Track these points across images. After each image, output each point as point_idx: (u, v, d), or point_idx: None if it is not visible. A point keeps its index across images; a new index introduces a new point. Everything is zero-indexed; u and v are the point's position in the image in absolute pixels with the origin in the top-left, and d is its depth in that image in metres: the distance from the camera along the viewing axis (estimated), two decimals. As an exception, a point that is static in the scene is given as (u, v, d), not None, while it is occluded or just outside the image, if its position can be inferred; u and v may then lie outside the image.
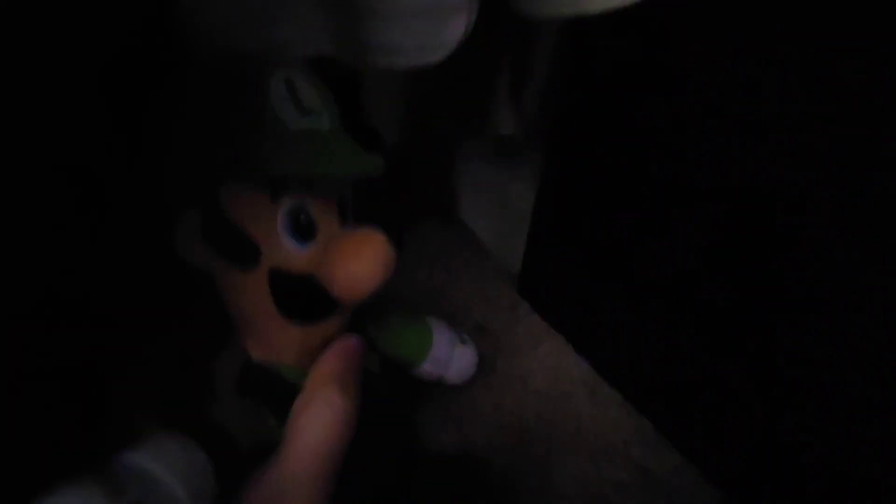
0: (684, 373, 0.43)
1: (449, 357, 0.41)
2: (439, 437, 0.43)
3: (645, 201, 0.42)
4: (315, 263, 0.28)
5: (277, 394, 0.30)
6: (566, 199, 0.49)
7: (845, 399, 0.35)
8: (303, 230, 0.28)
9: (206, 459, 0.24)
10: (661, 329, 0.44)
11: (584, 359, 0.49)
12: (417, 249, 0.55)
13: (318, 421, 0.27)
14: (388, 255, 0.28)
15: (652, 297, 0.44)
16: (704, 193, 0.38)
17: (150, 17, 0.27)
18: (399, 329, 0.39)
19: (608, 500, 0.41)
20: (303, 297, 0.29)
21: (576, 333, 0.50)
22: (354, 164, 0.28)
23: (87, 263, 0.27)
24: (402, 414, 0.43)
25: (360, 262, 0.28)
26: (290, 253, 0.28)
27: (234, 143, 0.26)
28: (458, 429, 0.44)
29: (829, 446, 0.36)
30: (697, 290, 0.41)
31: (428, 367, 0.40)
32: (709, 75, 0.35)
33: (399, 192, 0.40)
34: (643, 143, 0.40)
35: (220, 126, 0.27)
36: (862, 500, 0.36)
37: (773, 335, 0.37)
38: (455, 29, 0.27)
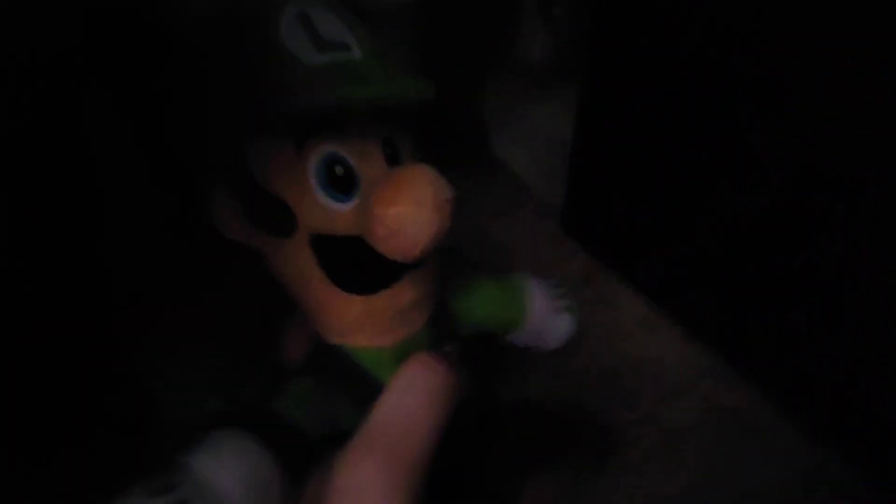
0: (748, 304, 0.40)
1: (544, 328, 0.37)
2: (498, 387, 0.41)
3: (691, 128, 0.38)
4: (362, 220, 0.24)
5: (352, 378, 0.26)
6: (606, 129, 0.45)
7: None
8: (340, 183, 0.23)
9: (269, 457, 0.22)
10: (718, 261, 0.41)
11: (639, 295, 0.46)
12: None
13: (416, 387, 0.22)
14: (438, 192, 0.22)
15: (706, 228, 0.41)
16: (755, 123, 0.35)
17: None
18: (488, 301, 0.34)
19: (682, 443, 0.39)
20: (354, 262, 0.24)
21: (628, 269, 0.47)
22: (392, 88, 0.23)
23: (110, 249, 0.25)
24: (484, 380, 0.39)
25: (403, 204, 0.22)
26: (330, 211, 0.24)
27: (247, 90, 0.23)
28: (517, 379, 0.42)
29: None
30: (754, 218, 0.37)
31: (521, 338, 0.37)
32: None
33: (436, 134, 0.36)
34: (688, 69, 0.36)
35: (231, 74, 0.23)
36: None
37: (837, 260, 0.34)
38: None
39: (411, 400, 0.22)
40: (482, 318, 0.34)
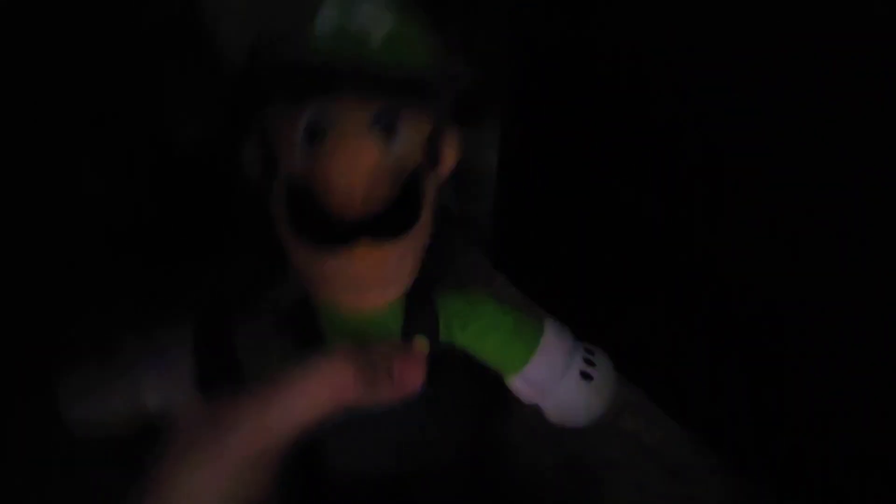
0: (674, 339, 0.40)
1: (550, 384, 0.30)
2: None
3: (613, 162, 0.38)
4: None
5: (303, 324, 0.28)
6: (530, 162, 0.45)
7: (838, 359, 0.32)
8: (314, 134, 0.26)
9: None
10: (643, 295, 0.41)
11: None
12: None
13: (310, 374, 0.23)
14: (358, 149, 0.25)
15: (633, 261, 0.41)
16: (670, 145, 0.35)
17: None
18: (486, 326, 0.30)
19: (600, 480, 0.38)
20: (308, 211, 0.26)
21: (556, 304, 0.47)
22: (376, 63, 0.25)
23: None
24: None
25: (334, 159, 0.25)
26: (300, 158, 0.26)
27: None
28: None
29: (821, 410, 0.33)
30: (678, 248, 0.37)
31: (519, 385, 0.31)
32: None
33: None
34: (609, 102, 0.37)
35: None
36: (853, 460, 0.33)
37: (760, 293, 0.34)
38: None
39: (299, 391, 0.23)
40: (473, 340, 0.30)
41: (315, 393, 0.23)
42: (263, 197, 0.28)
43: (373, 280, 0.27)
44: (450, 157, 0.29)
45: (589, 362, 0.31)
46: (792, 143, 0.31)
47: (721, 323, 0.37)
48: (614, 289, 0.44)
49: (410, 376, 0.25)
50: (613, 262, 0.43)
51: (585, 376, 0.30)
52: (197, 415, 0.23)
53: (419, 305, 0.29)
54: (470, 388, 0.33)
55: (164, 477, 0.22)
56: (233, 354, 0.28)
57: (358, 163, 0.25)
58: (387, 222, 0.25)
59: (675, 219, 0.37)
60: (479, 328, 0.30)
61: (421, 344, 0.29)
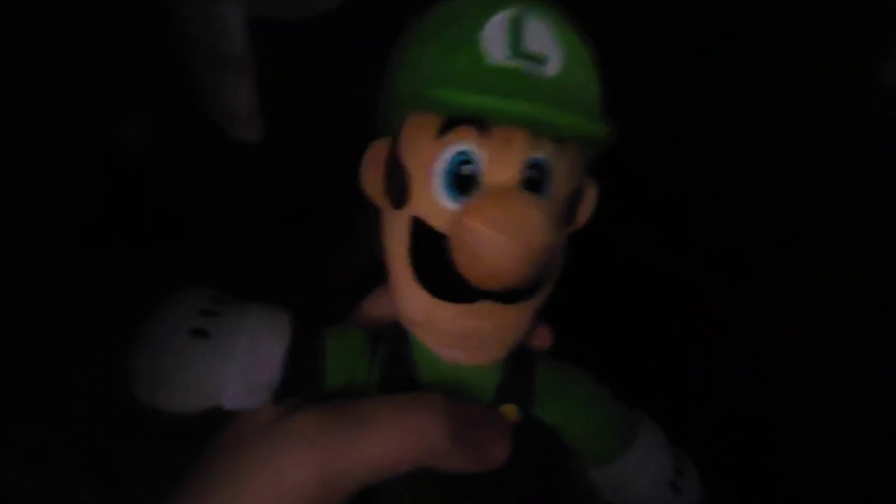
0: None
1: (635, 488, 0.27)
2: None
3: None
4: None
5: (395, 357, 0.25)
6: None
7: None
8: (461, 183, 0.22)
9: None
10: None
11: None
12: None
13: (405, 427, 0.21)
14: (531, 227, 0.20)
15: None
16: None
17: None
18: (577, 404, 0.26)
19: None
20: (434, 260, 0.22)
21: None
22: (544, 112, 0.21)
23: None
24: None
25: (483, 221, 0.20)
26: (438, 203, 0.22)
27: (422, 67, 0.22)
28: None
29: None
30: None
31: (600, 479, 0.27)
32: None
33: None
34: None
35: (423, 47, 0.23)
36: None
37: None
38: None
39: (389, 435, 0.21)
40: (563, 417, 0.26)
41: (404, 437, 0.21)
42: (377, 213, 0.25)
43: (484, 339, 0.24)
44: (586, 211, 0.26)
45: (679, 472, 0.27)
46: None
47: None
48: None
49: (496, 450, 0.23)
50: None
51: (675, 488, 0.27)
52: (259, 423, 0.21)
53: (519, 371, 0.26)
54: (549, 471, 0.29)
55: (198, 488, 0.20)
56: (321, 376, 0.24)
57: (533, 237, 0.20)
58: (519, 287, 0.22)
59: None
60: (570, 406, 0.26)
61: (510, 413, 0.25)
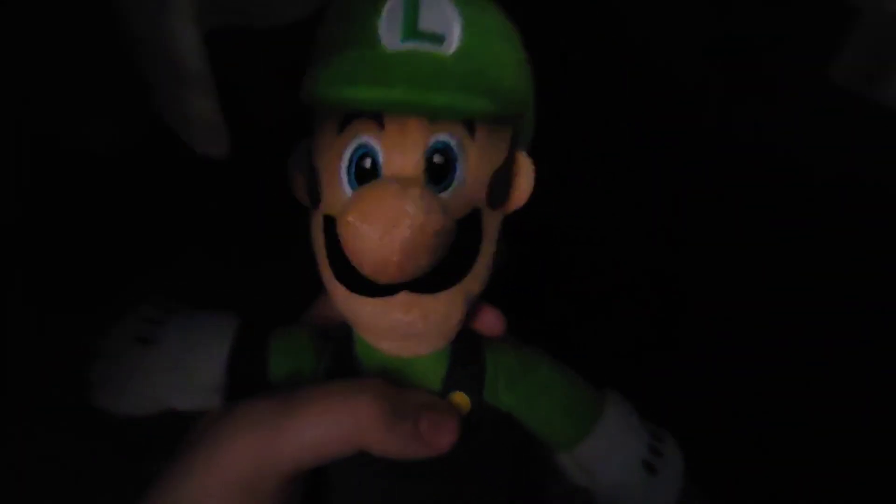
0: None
1: (605, 469, 0.26)
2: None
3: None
4: None
5: (342, 364, 0.25)
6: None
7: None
8: (364, 175, 0.22)
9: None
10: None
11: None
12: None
13: (329, 433, 0.21)
14: (399, 215, 0.20)
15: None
16: None
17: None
18: (537, 389, 0.26)
19: None
20: (345, 260, 0.22)
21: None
22: (432, 96, 0.20)
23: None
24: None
25: (353, 215, 0.20)
26: (342, 198, 0.22)
27: (319, 59, 0.22)
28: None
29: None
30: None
31: (568, 463, 0.27)
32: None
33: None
34: None
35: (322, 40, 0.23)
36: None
37: None
38: None
39: (320, 418, 0.21)
40: (521, 403, 0.26)
41: (335, 420, 0.21)
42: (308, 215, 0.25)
43: (414, 330, 0.23)
44: (523, 190, 0.25)
45: (655, 451, 0.26)
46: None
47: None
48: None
49: (440, 436, 0.23)
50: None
51: (648, 467, 0.26)
52: (211, 420, 0.22)
53: (466, 358, 0.25)
54: (506, 459, 0.28)
55: (165, 485, 0.21)
56: (265, 374, 0.25)
57: (400, 227, 0.20)
58: (433, 276, 0.22)
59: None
60: (528, 390, 0.26)
61: (461, 401, 0.25)
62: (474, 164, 0.23)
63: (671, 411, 0.28)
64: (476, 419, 0.25)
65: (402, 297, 0.22)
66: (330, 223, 0.22)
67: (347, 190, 0.22)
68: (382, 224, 0.20)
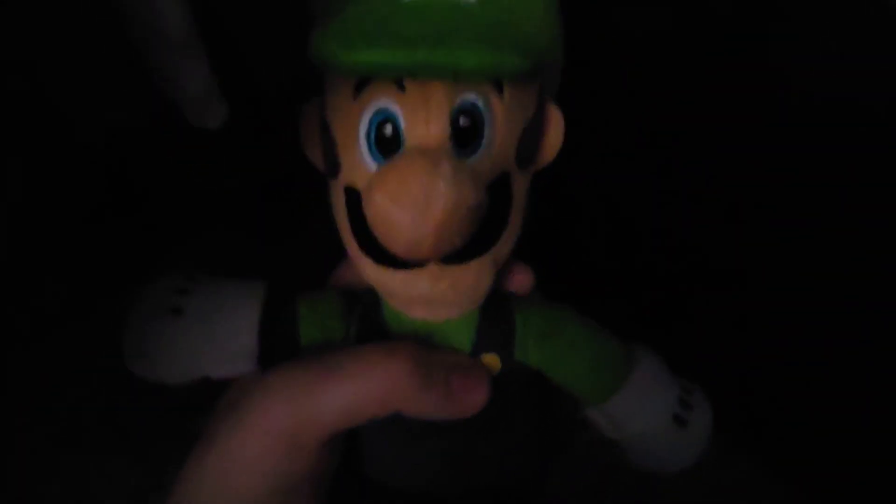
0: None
1: (635, 423, 0.26)
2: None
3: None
4: None
5: (370, 316, 0.25)
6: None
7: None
8: (385, 143, 0.21)
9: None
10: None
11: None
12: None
13: (375, 376, 0.21)
14: (431, 194, 0.18)
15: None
16: None
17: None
18: (567, 345, 0.25)
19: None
20: (370, 234, 0.21)
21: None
22: (455, 56, 0.18)
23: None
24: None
25: (381, 193, 0.19)
26: (366, 169, 0.21)
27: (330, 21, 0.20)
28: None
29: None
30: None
31: (598, 418, 0.27)
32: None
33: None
34: None
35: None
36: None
37: None
38: None
39: (354, 380, 0.21)
40: (551, 360, 0.25)
41: (368, 385, 0.21)
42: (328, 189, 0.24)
43: (444, 299, 0.23)
44: (553, 144, 0.24)
45: (685, 404, 0.26)
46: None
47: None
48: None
49: (471, 396, 0.23)
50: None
51: (679, 421, 0.26)
52: (243, 386, 0.22)
53: (496, 318, 0.25)
54: (535, 414, 0.28)
55: (202, 450, 0.21)
56: (296, 339, 0.25)
57: (434, 208, 0.18)
58: (463, 247, 0.21)
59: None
60: (558, 348, 0.25)
61: (491, 362, 0.25)
62: (502, 124, 0.21)
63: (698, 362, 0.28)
64: (506, 378, 0.25)
65: (431, 268, 0.21)
66: (352, 195, 0.22)
67: (369, 161, 0.21)
68: (415, 205, 0.18)
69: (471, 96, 0.20)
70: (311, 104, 0.24)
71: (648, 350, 0.27)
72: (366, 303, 0.25)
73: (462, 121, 0.20)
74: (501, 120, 0.21)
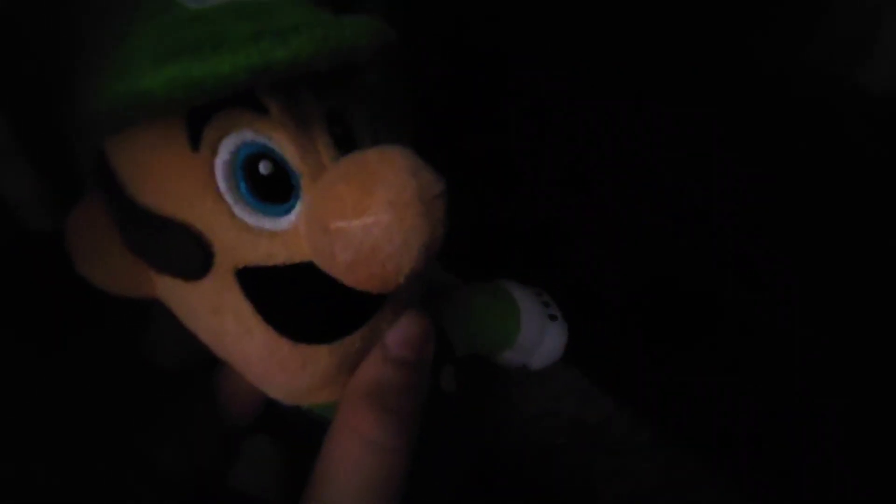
0: (606, 313, 0.42)
1: (537, 341, 0.29)
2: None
3: None
4: (312, 239, 0.16)
5: (318, 438, 0.20)
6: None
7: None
8: (268, 187, 0.16)
9: None
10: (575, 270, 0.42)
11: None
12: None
13: (346, 464, 0.19)
14: (424, 186, 0.15)
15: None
16: None
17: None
18: (479, 314, 0.27)
19: (548, 464, 0.39)
20: (309, 302, 0.17)
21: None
22: (314, 41, 0.14)
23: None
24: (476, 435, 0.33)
25: (374, 211, 0.15)
26: (259, 232, 0.16)
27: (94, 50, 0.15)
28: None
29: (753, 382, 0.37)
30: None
31: (510, 356, 0.29)
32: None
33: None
34: None
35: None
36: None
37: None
38: None
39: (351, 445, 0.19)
40: (475, 333, 0.27)
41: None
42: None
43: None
44: None
45: (545, 303, 0.30)
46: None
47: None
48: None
49: (418, 346, 0.21)
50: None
51: (553, 319, 0.29)
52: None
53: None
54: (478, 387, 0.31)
55: None
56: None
57: (415, 199, 0.15)
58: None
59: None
60: (475, 318, 0.27)
61: (449, 373, 0.25)
62: (366, 127, 0.18)
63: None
64: (463, 379, 0.25)
65: (388, 309, 0.19)
66: (248, 276, 0.17)
67: (252, 215, 0.16)
68: (418, 207, 0.15)
69: (332, 100, 0.17)
70: (82, 208, 0.18)
71: (510, 280, 0.30)
72: (302, 431, 0.22)
73: (335, 129, 0.17)
74: (360, 112, 0.19)
